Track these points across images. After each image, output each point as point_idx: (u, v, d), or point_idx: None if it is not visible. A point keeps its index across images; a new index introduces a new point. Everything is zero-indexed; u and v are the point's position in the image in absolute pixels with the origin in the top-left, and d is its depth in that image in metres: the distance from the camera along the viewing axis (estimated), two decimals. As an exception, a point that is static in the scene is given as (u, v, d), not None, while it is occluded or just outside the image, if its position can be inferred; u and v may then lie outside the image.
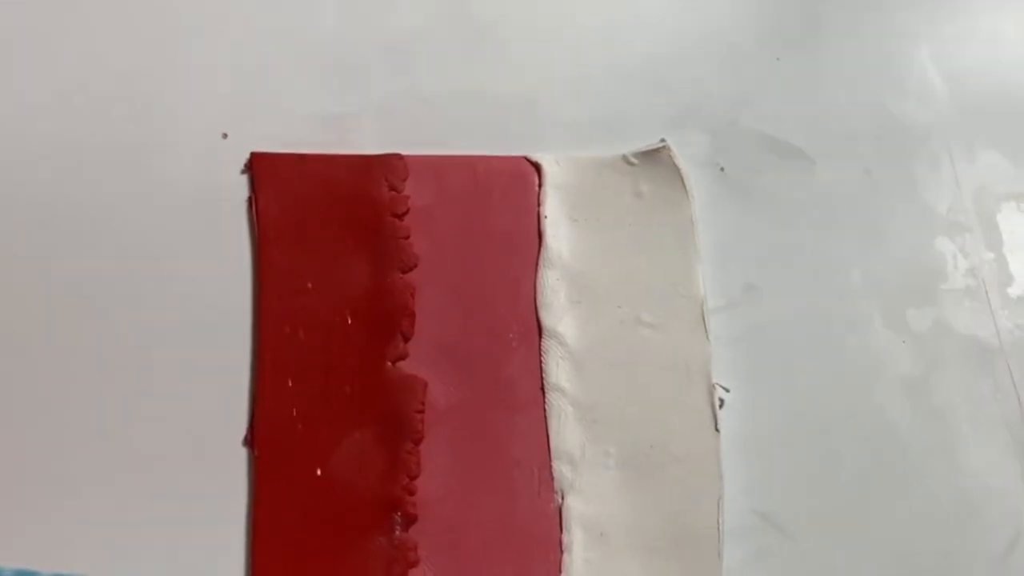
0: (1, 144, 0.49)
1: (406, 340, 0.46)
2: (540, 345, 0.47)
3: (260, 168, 0.49)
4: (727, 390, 0.47)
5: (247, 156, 0.49)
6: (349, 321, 0.46)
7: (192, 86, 0.51)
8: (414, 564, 0.43)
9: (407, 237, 0.48)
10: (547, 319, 0.48)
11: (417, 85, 0.52)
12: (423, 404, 0.45)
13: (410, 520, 0.43)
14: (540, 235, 0.49)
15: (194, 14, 0.53)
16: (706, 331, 0.48)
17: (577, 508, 0.44)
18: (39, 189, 0.48)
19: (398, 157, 0.50)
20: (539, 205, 0.50)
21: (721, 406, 0.46)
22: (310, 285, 0.47)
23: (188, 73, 0.51)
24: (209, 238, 0.48)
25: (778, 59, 0.55)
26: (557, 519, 0.44)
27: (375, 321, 0.46)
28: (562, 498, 0.45)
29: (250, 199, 0.49)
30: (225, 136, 0.50)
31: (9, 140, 0.49)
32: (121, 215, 0.48)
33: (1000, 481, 0.47)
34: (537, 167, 0.50)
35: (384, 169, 0.49)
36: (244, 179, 0.49)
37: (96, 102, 0.50)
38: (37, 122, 0.49)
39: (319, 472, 0.44)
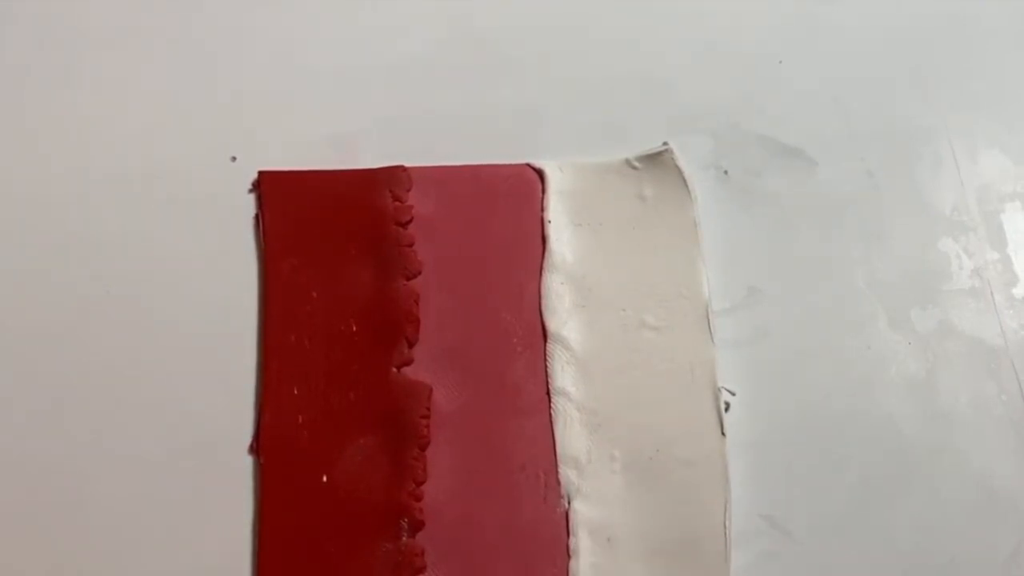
0: (25, 172, 0.50)
1: (411, 346, 0.47)
2: (545, 349, 0.47)
3: (266, 185, 0.50)
4: (732, 393, 0.47)
5: (254, 175, 0.50)
6: (354, 328, 0.47)
7: (203, 112, 0.52)
8: (421, 569, 0.43)
9: (411, 245, 0.48)
10: (552, 323, 0.48)
11: (421, 101, 0.53)
12: (428, 410, 0.45)
13: (416, 526, 0.44)
14: (544, 240, 0.49)
15: (203, 47, 0.54)
16: (711, 334, 0.48)
17: (583, 512, 0.45)
18: (65, 212, 0.49)
19: (401, 168, 0.50)
20: (543, 211, 0.50)
21: (727, 409, 0.46)
22: (315, 294, 0.47)
23: (199, 99, 0.52)
24: (218, 254, 0.49)
25: (780, 62, 0.55)
26: (564, 524, 0.44)
27: (380, 328, 0.47)
28: (568, 503, 0.45)
29: (257, 216, 0.49)
30: (234, 159, 0.50)
31: (32, 168, 0.50)
32: (137, 234, 0.49)
33: (1005, 482, 0.46)
34: (540, 173, 0.51)
35: (388, 180, 0.50)
36: (252, 198, 0.50)
37: (115, 132, 0.51)
38: (59, 151, 0.51)
39: (325, 479, 0.44)
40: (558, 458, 0.45)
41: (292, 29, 0.54)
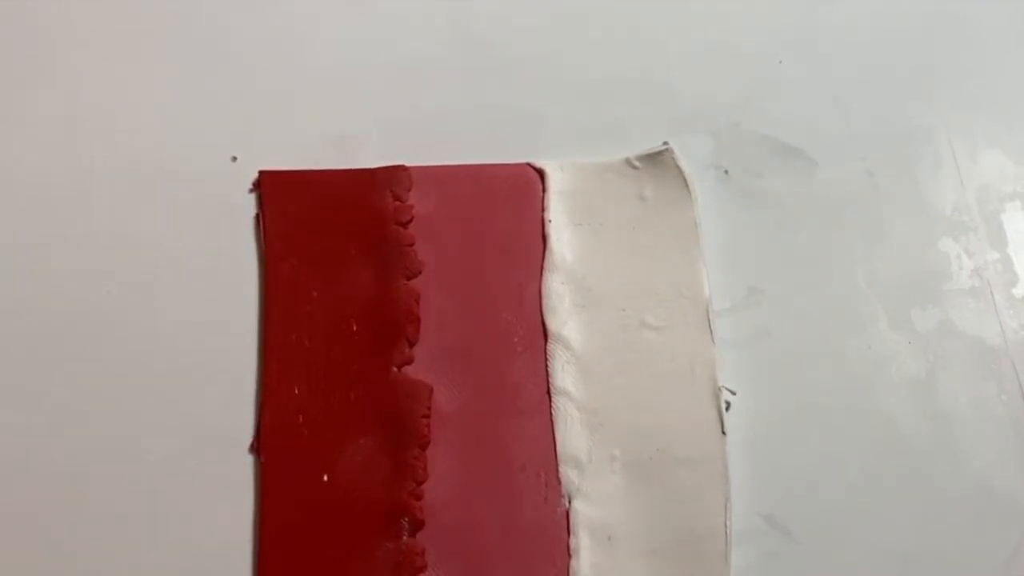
0: (25, 172, 0.50)
1: (411, 346, 0.47)
2: (545, 349, 0.47)
3: (267, 185, 0.50)
4: (733, 392, 0.47)
5: (254, 175, 0.50)
6: (354, 328, 0.47)
7: (203, 112, 0.52)
8: (421, 569, 0.43)
9: (411, 244, 0.48)
10: (552, 323, 0.48)
11: (421, 101, 0.53)
12: (429, 409, 0.46)
13: (417, 525, 0.44)
14: (544, 240, 0.49)
15: (203, 46, 0.54)
16: (711, 334, 0.48)
17: (584, 512, 0.45)
18: (65, 212, 0.49)
19: (402, 168, 0.50)
20: (543, 210, 0.50)
21: (727, 409, 0.46)
22: (315, 294, 0.47)
23: (199, 99, 0.52)
24: (218, 254, 0.49)
25: (780, 62, 0.56)
26: (564, 523, 0.44)
27: (380, 327, 0.47)
28: (569, 502, 0.45)
29: (257, 216, 0.49)
30: (234, 159, 0.50)
31: (32, 168, 0.50)
32: (138, 234, 0.49)
33: (1005, 482, 0.46)
34: (541, 173, 0.51)
35: (388, 180, 0.50)
36: (252, 198, 0.50)
37: (114, 132, 0.51)
38: (59, 151, 0.51)
39: (325, 478, 0.44)
40: (558, 458, 0.45)
41: (292, 29, 0.55)
